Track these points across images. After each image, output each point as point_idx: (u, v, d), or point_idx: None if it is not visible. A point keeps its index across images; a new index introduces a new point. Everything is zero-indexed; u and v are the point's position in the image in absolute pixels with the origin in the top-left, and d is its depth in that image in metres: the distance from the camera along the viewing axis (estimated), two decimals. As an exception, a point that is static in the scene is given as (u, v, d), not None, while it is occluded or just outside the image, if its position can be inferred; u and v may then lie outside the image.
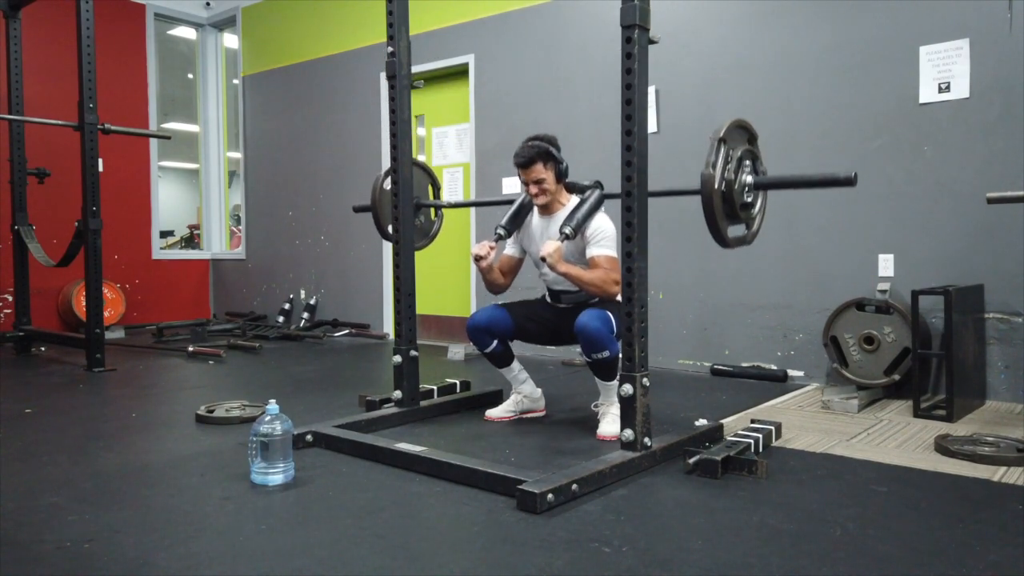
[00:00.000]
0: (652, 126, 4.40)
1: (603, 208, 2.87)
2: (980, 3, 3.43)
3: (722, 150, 2.32)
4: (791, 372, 3.99)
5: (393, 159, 3.05)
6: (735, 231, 2.46)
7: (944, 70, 3.54)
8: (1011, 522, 1.90)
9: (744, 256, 4.18)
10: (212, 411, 3.12)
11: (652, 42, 2.34)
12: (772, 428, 2.71)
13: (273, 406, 2.27)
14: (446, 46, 5.49)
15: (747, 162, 2.44)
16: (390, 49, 2.99)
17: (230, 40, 7.58)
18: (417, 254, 3.15)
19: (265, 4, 6.94)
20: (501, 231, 3.01)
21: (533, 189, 2.90)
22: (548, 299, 3.11)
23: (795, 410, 3.30)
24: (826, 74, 3.88)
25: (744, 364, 4.16)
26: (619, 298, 2.81)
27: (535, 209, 3.04)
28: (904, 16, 3.64)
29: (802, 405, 3.40)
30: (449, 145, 5.67)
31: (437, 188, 3.56)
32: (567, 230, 2.71)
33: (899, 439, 2.78)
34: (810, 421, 3.08)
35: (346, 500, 2.10)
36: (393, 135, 3.03)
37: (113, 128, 4.67)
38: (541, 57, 4.98)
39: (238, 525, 1.91)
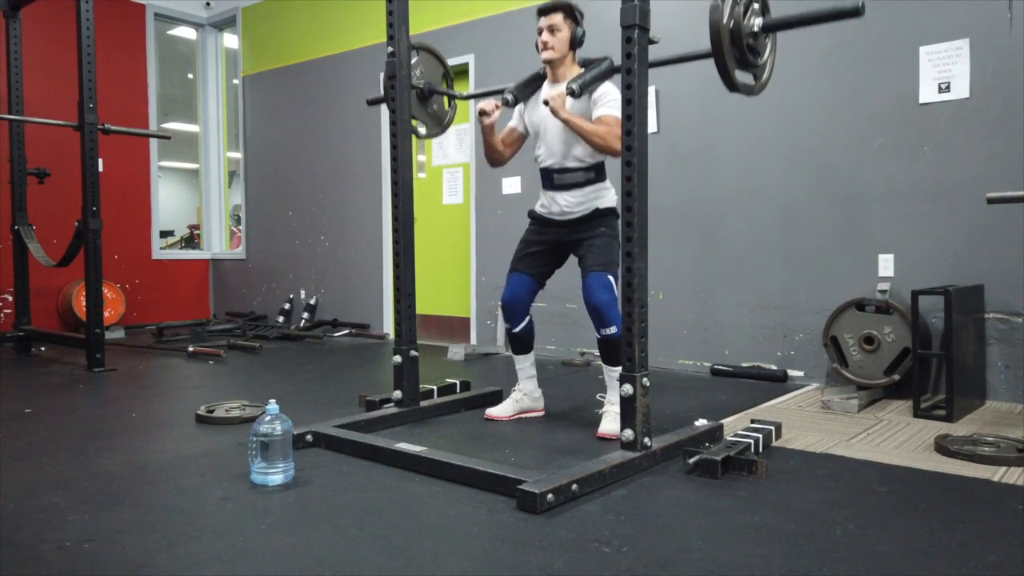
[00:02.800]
0: (652, 126, 4.40)
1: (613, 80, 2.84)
2: (980, 3, 3.43)
3: None
4: (791, 372, 3.99)
5: (393, 159, 3.05)
6: (743, 77, 2.39)
7: (944, 70, 3.54)
8: (1011, 522, 1.91)
9: (744, 256, 4.19)
10: (212, 411, 3.11)
11: (652, 42, 2.34)
12: (772, 428, 2.71)
13: (273, 406, 2.27)
14: (446, 46, 5.47)
15: (757, 2, 2.35)
16: (390, 49, 2.99)
17: (230, 40, 7.58)
18: (417, 254, 3.14)
19: (265, 4, 6.94)
20: (509, 96, 2.97)
21: (545, 36, 2.87)
22: (539, 203, 3.04)
23: (795, 410, 3.30)
24: (826, 74, 3.88)
25: (744, 364, 4.16)
26: (614, 201, 2.88)
27: (545, 83, 3.01)
28: (904, 16, 3.64)
29: (802, 405, 3.40)
30: (449, 145, 5.67)
31: (450, 77, 3.51)
32: (573, 86, 2.68)
33: (899, 439, 2.78)
34: (810, 421, 3.08)
35: (346, 500, 2.10)
36: (393, 135, 3.03)
37: (113, 128, 4.67)
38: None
39: (238, 525, 1.91)
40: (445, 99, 3.49)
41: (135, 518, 1.95)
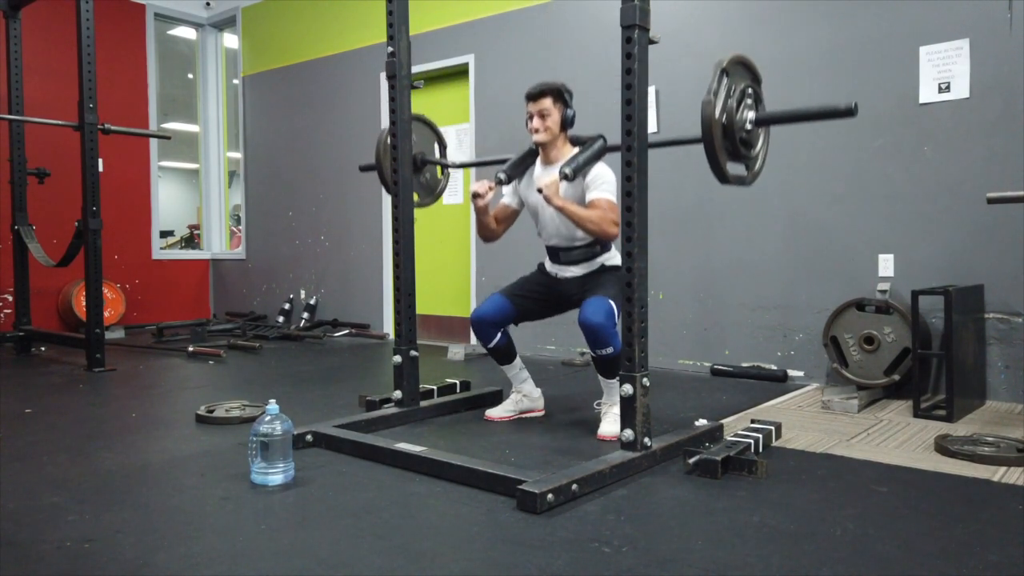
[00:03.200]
0: (652, 126, 4.41)
1: (604, 160, 2.86)
2: (980, 3, 3.43)
3: (724, 81, 2.28)
4: (791, 372, 3.99)
5: (393, 159, 3.05)
6: (735, 168, 2.41)
7: (944, 70, 3.54)
8: (1011, 522, 1.90)
9: (744, 256, 4.19)
10: (212, 411, 3.11)
11: (652, 42, 2.34)
12: (772, 428, 2.71)
13: (273, 406, 2.27)
14: (446, 46, 5.49)
15: (749, 98, 2.37)
16: (390, 49, 2.99)
17: (230, 40, 7.58)
18: (417, 254, 3.14)
19: (265, 4, 6.94)
20: (502, 176, 2.99)
21: (536, 122, 2.89)
22: (547, 264, 3.07)
23: (795, 410, 3.30)
24: (826, 74, 3.88)
25: (744, 364, 4.16)
26: (616, 259, 2.84)
27: (537, 162, 3.03)
28: (904, 16, 3.64)
29: (802, 405, 3.40)
30: (449, 145, 5.66)
31: (443, 146, 3.53)
32: (567, 171, 2.69)
33: (899, 439, 2.78)
34: (810, 421, 3.08)
35: (346, 500, 2.10)
36: (393, 135, 3.03)
37: (113, 128, 4.67)
38: (541, 57, 4.98)
39: (238, 525, 1.91)
40: (439, 169, 3.49)
41: (135, 518, 1.95)
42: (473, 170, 5.39)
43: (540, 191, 2.70)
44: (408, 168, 3.08)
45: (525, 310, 3.06)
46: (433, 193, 3.50)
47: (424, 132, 3.39)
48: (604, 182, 2.80)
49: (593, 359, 2.81)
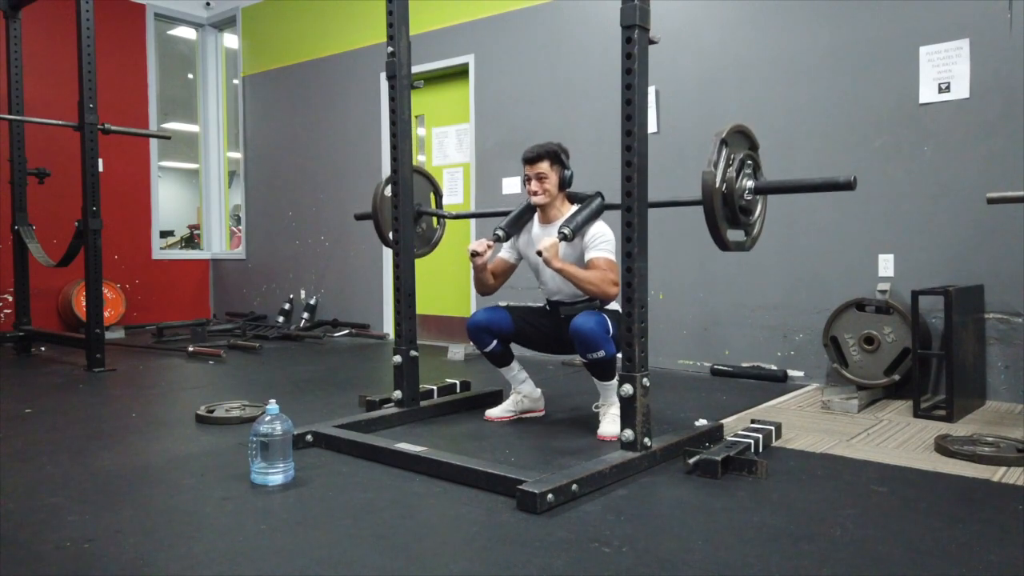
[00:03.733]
0: (652, 126, 4.40)
1: (602, 218, 2.88)
2: (980, 3, 3.43)
3: (724, 151, 2.33)
4: (791, 372, 3.99)
5: (393, 159, 3.05)
6: (735, 235, 2.46)
7: (944, 70, 3.54)
8: (1011, 522, 1.90)
9: (744, 256, 4.18)
10: (212, 411, 3.11)
11: (652, 42, 2.34)
12: (772, 428, 2.71)
13: (273, 406, 2.27)
14: (446, 46, 5.49)
15: (748, 167, 2.44)
16: (390, 49, 2.99)
17: (230, 40, 7.58)
18: (417, 254, 3.15)
19: (265, 4, 6.94)
20: (500, 232, 3.02)
21: (534, 185, 2.91)
22: (547, 308, 3.10)
23: (795, 410, 3.30)
24: (826, 74, 3.88)
25: (744, 364, 4.16)
26: (616, 305, 2.81)
27: (536, 218, 3.04)
28: (904, 16, 3.64)
29: (802, 405, 3.40)
30: (449, 145, 5.67)
31: (439, 196, 3.56)
32: (566, 231, 2.72)
33: (899, 439, 2.78)
34: (810, 421, 3.08)
35: (346, 500, 2.10)
36: (393, 135, 3.03)
37: (113, 128, 4.67)
38: (541, 57, 4.98)
39: (238, 525, 1.91)
40: (434, 219, 3.51)
41: (135, 518, 1.95)
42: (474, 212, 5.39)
43: (539, 253, 2.70)
44: (409, 169, 3.08)
45: (524, 335, 3.07)
46: (429, 243, 3.53)
47: (420, 184, 3.40)
48: (603, 241, 2.81)
49: (585, 364, 2.80)
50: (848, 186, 2.30)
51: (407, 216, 3.06)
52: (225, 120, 7.67)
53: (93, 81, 4.46)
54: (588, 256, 2.81)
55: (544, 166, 2.88)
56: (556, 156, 2.89)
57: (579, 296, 2.91)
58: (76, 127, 4.48)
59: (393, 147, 3.04)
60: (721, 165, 2.33)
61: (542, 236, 2.96)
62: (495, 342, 3.04)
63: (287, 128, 6.77)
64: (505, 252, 3.16)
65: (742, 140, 2.48)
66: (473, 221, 5.38)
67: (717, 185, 2.32)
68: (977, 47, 3.45)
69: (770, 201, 4.08)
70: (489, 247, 2.98)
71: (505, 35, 5.16)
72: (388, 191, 3.17)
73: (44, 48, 6.10)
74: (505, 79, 5.17)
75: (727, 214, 2.40)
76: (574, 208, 2.94)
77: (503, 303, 3.14)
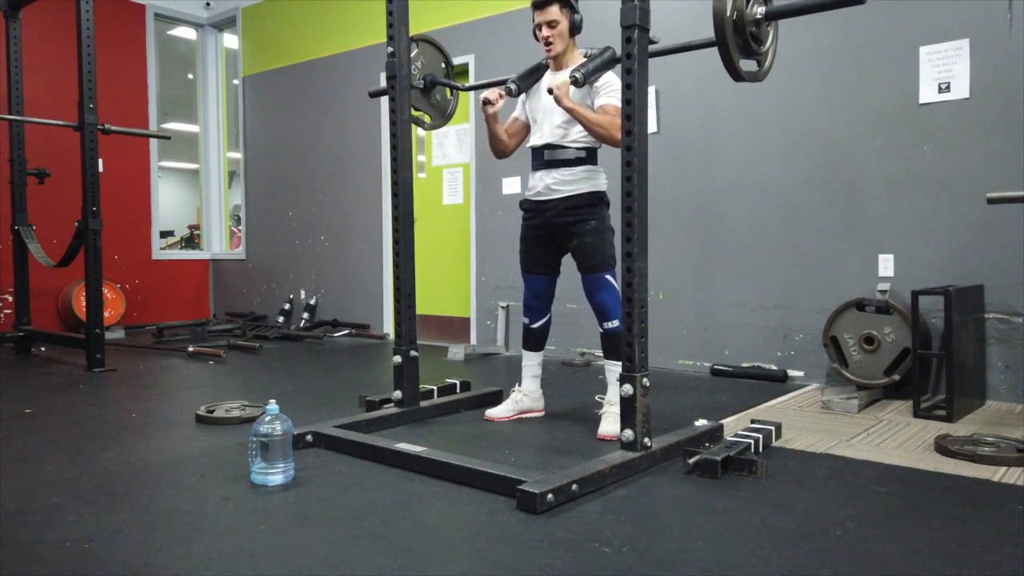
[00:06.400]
0: (652, 126, 4.40)
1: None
2: (980, 3, 3.43)
3: None
4: (791, 372, 3.99)
5: (393, 159, 3.05)
6: (747, 65, 2.42)
7: (944, 70, 3.54)
8: (1011, 522, 1.90)
9: (744, 256, 4.19)
10: (212, 411, 3.11)
11: (652, 42, 2.34)
12: (772, 428, 2.71)
13: (273, 406, 2.27)
14: (446, 46, 5.47)
15: None
16: (390, 49, 2.99)
17: (230, 40, 7.58)
18: (417, 254, 3.14)
19: (265, 4, 6.94)
20: (512, 86, 2.99)
21: (545, 31, 2.88)
22: (531, 183, 3.02)
23: (795, 410, 3.30)
24: (826, 74, 3.88)
25: (744, 364, 4.16)
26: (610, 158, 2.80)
27: (547, 73, 3.01)
28: (904, 16, 3.64)
29: (802, 405, 3.40)
30: (449, 145, 5.67)
31: (451, 67, 3.51)
32: (577, 75, 2.67)
33: (899, 439, 2.78)
34: (810, 421, 3.08)
35: (346, 500, 2.10)
36: (393, 135, 3.03)
37: (113, 128, 4.67)
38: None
39: (238, 525, 1.91)
40: (447, 89, 3.49)
41: (135, 518, 1.95)
42: (473, 211, 5.39)
43: (551, 91, 2.70)
44: (408, 170, 3.08)
45: (550, 265, 3.08)
46: (444, 114, 3.48)
47: (431, 53, 3.37)
48: (614, 89, 2.80)
49: (601, 335, 2.90)
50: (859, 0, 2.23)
51: (407, 216, 3.06)
52: (225, 120, 7.67)
53: (93, 81, 4.46)
54: (598, 102, 2.81)
55: (554, 10, 2.85)
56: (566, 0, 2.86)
57: (569, 143, 2.88)
58: (76, 127, 4.48)
59: (393, 147, 3.04)
60: None
61: (554, 79, 2.90)
62: (547, 317, 3.11)
63: (287, 128, 6.77)
64: (518, 111, 3.15)
65: None
66: (474, 215, 5.37)
67: (728, 13, 2.27)
68: (977, 47, 3.45)
69: (770, 201, 4.11)
70: (501, 96, 2.96)
71: (505, 35, 5.16)
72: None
73: (44, 48, 6.10)
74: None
75: (739, 42, 2.35)
76: (585, 58, 2.89)
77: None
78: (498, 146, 3.12)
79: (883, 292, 3.53)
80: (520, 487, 2.00)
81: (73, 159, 4.60)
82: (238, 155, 7.31)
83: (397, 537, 1.82)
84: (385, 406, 3.13)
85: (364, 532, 1.85)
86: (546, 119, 2.96)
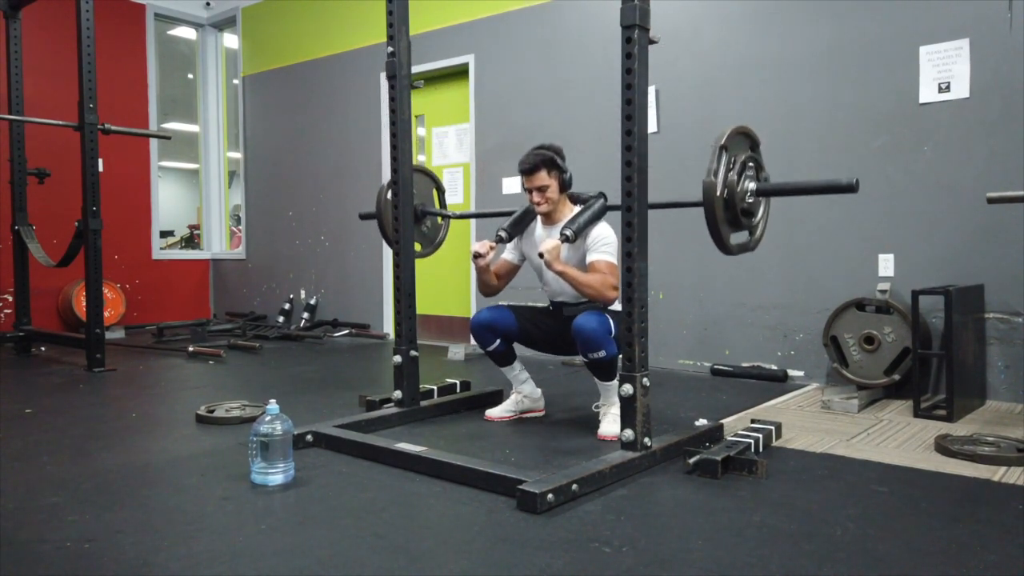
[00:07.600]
0: (652, 126, 4.40)
1: (605, 218, 2.87)
2: (980, 3, 3.43)
3: (724, 157, 2.33)
4: (791, 372, 3.99)
5: (393, 159, 3.06)
6: (737, 238, 2.46)
7: (944, 70, 3.54)
8: (1011, 522, 1.90)
9: (744, 256, 4.17)
10: (212, 411, 3.11)
11: (652, 42, 2.34)
12: (772, 428, 2.71)
13: (273, 406, 2.27)
14: (446, 46, 5.49)
15: (749, 168, 2.44)
16: (390, 49, 2.99)
17: (230, 40, 7.58)
18: (417, 254, 3.15)
19: (265, 4, 6.94)
20: (503, 234, 3.02)
21: (536, 197, 2.90)
22: (551, 309, 3.10)
23: (795, 410, 3.30)
24: (826, 74, 3.88)
25: (744, 364, 4.16)
26: (617, 305, 2.81)
27: (539, 218, 3.04)
28: (904, 16, 3.64)
29: (802, 405, 3.40)
30: (449, 145, 5.67)
31: (442, 194, 3.56)
32: (568, 232, 2.71)
33: (899, 439, 2.78)
34: (810, 421, 3.08)
35: (346, 500, 2.10)
36: (393, 135, 3.03)
37: (113, 128, 4.67)
38: (541, 57, 4.98)
39: (238, 525, 1.91)
40: (438, 217, 3.51)
41: (135, 518, 1.95)
42: (473, 222, 5.40)
43: (541, 256, 2.70)
44: (409, 168, 3.08)
45: (527, 335, 3.07)
46: (433, 243, 3.54)
47: (424, 183, 3.41)
48: (605, 243, 2.81)
49: (586, 364, 2.80)
50: (850, 188, 2.30)
51: (407, 216, 3.06)
52: (225, 120, 7.67)
53: (93, 81, 4.46)
54: (589, 258, 2.81)
55: (543, 176, 2.87)
56: (552, 163, 2.87)
57: (582, 297, 2.91)
58: (76, 127, 4.48)
59: (393, 147, 3.04)
60: (722, 172, 2.32)
61: (545, 237, 2.96)
62: (498, 341, 3.04)
63: (287, 128, 6.77)
64: (508, 253, 3.16)
65: (743, 142, 2.48)
66: (474, 220, 5.37)
67: (718, 193, 2.32)
68: (977, 47, 3.45)
69: (770, 201, 4.10)
70: (491, 248, 2.98)
71: (505, 35, 5.16)
72: (391, 194, 3.16)
73: (44, 48, 6.10)
74: (505, 79, 5.16)
75: (729, 218, 2.40)
76: (577, 208, 2.93)
77: (505, 303, 3.14)
78: (487, 289, 3.13)
79: (883, 292, 3.53)
80: (520, 487, 2.00)
81: (73, 159, 4.60)
82: (238, 155, 7.31)
83: (397, 537, 1.82)
84: (385, 406, 3.13)
85: (364, 532, 1.85)
86: (549, 272, 2.92)
